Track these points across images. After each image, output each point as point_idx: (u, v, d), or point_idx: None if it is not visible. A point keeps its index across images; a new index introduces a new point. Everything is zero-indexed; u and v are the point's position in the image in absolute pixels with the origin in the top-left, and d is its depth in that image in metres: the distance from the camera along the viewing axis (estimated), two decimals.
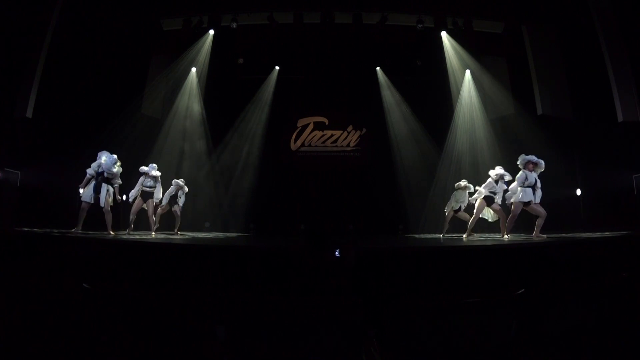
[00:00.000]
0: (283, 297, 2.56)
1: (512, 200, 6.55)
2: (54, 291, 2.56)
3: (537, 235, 6.28)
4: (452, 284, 4.11)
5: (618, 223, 6.92)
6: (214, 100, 10.36)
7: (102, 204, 6.68)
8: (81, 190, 6.79)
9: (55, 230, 6.46)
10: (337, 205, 10.21)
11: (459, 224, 8.12)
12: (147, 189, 7.40)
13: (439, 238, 7.88)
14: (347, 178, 10.58)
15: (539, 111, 8.88)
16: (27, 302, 2.46)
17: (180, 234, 7.78)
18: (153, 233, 7.52)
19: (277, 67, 10.62)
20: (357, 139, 10.87)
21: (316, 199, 10.24)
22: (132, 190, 7.40)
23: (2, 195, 7.47)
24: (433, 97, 10.32)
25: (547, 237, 6.15)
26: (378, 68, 10.64)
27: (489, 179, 7.08)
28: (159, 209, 7.76)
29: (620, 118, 7.51)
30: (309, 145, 10.89)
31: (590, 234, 6.60)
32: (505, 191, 6.88)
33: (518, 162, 6.55)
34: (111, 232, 6.90)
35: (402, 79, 10.50)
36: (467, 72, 9.89)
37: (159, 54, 9.77)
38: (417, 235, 9.04)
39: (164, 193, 7.69)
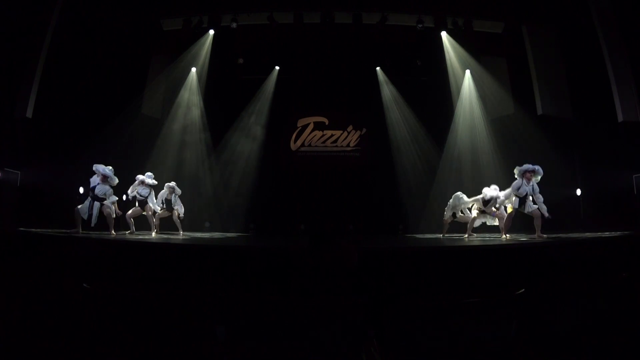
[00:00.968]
0: (283, 297, 2.56)
1: (505, 204, 6.70)
2: (54, 291, 2.56)
3: (539, 236, 6.29)
4: (452, 284, 4.11)
5: (618, 223, 6.91)
6: (214, 100, 10.36)
7: (92, 224, 6.76)
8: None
9: (57, 231, 6.47)
10: (337, 205, 10.21)
11: (459, 224, 8.12)
12: (141, 197, 7.41)
13: (439, 238, 7.88)
14: (347, 178, 10.58)
15: (539, 111, 8.88)
16: (27, 302, 2.46)
17: (184, 234, 7.78)
18: (153, 234, 7.53)
19: (277, 67, 10.61)
20: (357, 139, 10.87)
21: (316, 199, 10.23)
22: (128, 190, 7.40)
23: (2, 195, 7.47)
24: (433, 97, 10.32)
25: (547, 237, 6.16)
26: (378, 68, 10.64)
27: (480, 196, 7.12)
28: (157, 214, 7.75)
29: (620, 118, 7.51)
30: (309, 145, 10.89)
31: (590, 234, 6.60)
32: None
33: (515, 173, 6.57)
34: (113, 232, 6.93)
35: (402, 79, 10.50)
36: (467, 72, 9.89)
37: (159, 54, 9.78)
38: (417, 236, 9.04)
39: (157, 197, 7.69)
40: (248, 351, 2.16)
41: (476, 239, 7.02)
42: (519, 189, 6.43)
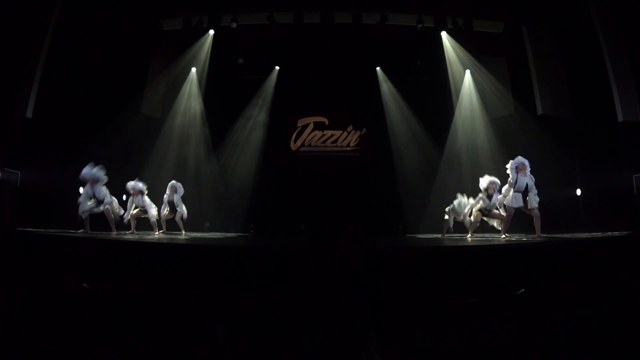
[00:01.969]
0: (283, 297, 2.56)
1: (504, 203, 6.67)
2: (54, 291, 2.56)
3: (539, 236, 6.29)
4: (452, 284, 4.11)
5: (618, 223, 6.91)
6: (214, 100, 10.35)
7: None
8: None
9: (57, 231, 6.47)
10: (337, 205, 10.20)
11: (459, 224, 8.11)
12: (140, 207, 7.43)
13: (439, 238, 7.88)
14: (347, 178, 10.57)
15: (539, 111, 8.87)
16: (27, 302, 2.46)
17: (186, 234, 7.79)
18: (156, 234, 7.54)
19: (277, 67, 10.61)
20: (357, 139, 10.87)
21: (316, 199, 10.22)
22: (125, 213, 7.38)
23: (2, 195, 7.48)
24: (433, 97, 10.31)
25: (547, 237, 6.15)
26: (378, 68, 10.64)
27: (480, 195, 7.10)
28: (163, 216, 7.77)
29: (620, 118, 7.51)
30: (309, 145, 10.89)
31: (590, 234, 6.60)
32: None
33: (509, 170, 6.56)
34: (114, 232, 6.95)
35: (402, 79, 10.49)
36: (467, 72, 9.89)
37: (159, 54, 9.77)
38: (418, 236, 9.03)
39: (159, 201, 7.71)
40: (248, 351, 2.16)
41: (476, 239, 7.01)
42: (515, 183, 6.41)
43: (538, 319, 2.34)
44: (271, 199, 10.32)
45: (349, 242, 2.80)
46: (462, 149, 9.88)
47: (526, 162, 6.50)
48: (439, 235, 8.26)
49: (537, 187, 6.55)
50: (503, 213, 6.86)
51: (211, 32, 9.51)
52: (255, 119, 10.65)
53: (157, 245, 5.76)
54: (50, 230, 6.45)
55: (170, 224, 8.10)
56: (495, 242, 6.11)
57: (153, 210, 7.48)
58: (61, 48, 8.04)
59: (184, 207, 7.83)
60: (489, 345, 2.22)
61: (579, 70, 8.43)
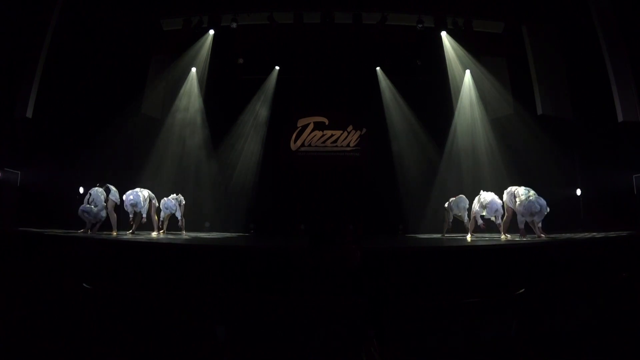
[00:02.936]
0: (283, 297, 2.56)
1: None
2: (54, 291, 2.55)
3: (539, 236, 6.29)
4: (452, 284, 4.11)
5: (618, 223, 6.92)
6: (214, 100, 10.36)
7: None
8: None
9: (58, 231, 6.48)
10: (337, 205, 10.21)
11: (459, 224, 8.12)
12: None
13: (439, 238, 7.88)
14: (347, 178, 10.58)
15: (539, 111, 8.88)
16: (27, 302, 2.46)
17: (186, 234, 7.80)
18: (155, 233, 7.54)
19: (277, 67, 10.62)
20: (357, 139, 10.87)
21: (316, 199, 10.23)
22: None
23: (2, 195, 7.48)
24: (433, 97, 10.31)
25: (547, 237, 6.15)
26: (378, 68, 10.65)
27: (481, 201, 7.05)
28: (162, 216, 7.79)
29: (620, 118, 7.50)
30: (309, 145, 10.89)
31: (590, 234, 6.60)
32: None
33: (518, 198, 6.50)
34: (114, 232, 6.95)
35: (402, 79, 10.49)
36: (467, 72, 9.89)
37: (159, 54, 9.77)
38: (418, 236, 9.04)
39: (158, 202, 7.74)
40: (248, 351, 2.16)
41: (476, 239, 7.01)
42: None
43: (538, 319, 2.34)
44: (271, 199, 10.33)
45: (349, 242, 2.80)
46: (462, 149, 9.88)
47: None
48: (439, 235, 8.25)
49: (537, 188, 6.54)
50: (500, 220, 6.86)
51: (211, 32, 9.51)
52: (255, 119, 10.65)
53: (157, 245, 5.76)
54: (50, 230, 6.45)
55: (171, 225, 8.10)
56: (495, 242, 6.11)
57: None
58: (61, 48, 8.04)
59: (180, 213, 7.90)
60: (489, 345, 2.22)
61: (579, 70, 8.43)
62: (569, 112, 8.66)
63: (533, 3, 8.80)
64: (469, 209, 7.55)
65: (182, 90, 10.04)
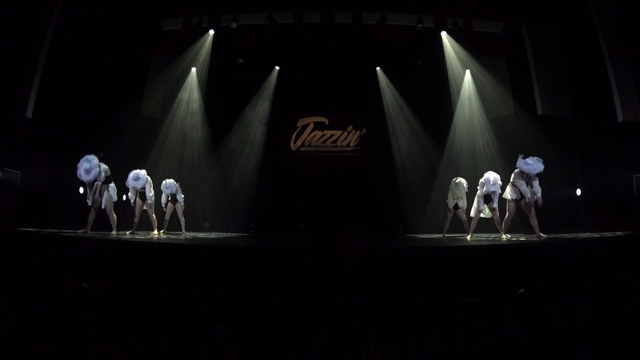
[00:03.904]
0: (283, 297, 2.56)
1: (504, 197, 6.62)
2: (54, 291, 2.56)
3: (538, 236, 6.29)
4: (452, 284, 4.11)
5: (618, 223, 6.91)
6: (214, 100, 10.36)
7: (103, 205, 6.87)
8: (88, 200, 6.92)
9: (57, 231, 6.48)
10: (337, 205, 10.21)
11: (459, 224, 8.12)
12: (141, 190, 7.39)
13: (440, 238, 7.88)
14: (347, 178, 10.57)
15: (539, 111, 8.88)
16: (27, 302, 2.46)
17: (186, 234, 7.79)
18: (154, 234, 7.53)
19: (277, 67, 10.62)
20: (357, 139, 10.87)
21: (316, 199, 10.23)
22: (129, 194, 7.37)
23: (2, 195, 7.48)
24: (433, 97, 10.31)
25: (547, 237, 6.15)
26: (378, 68, 10.64)
27: (481, 180, 7.05)
28: (164, 210, 7.78)
29: (620, 118, 7.50)
30: (309, 145, 10.89)
31: (590, 234, 6.60)
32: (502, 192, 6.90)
33: (520, 167, 6.50)
34: (114, 232, 6.95)
35: (402, 79, 10.49)
36: (467, 72, 9.88)
37: (159, 54, 9.77)
38: (418, 236, 9.03)
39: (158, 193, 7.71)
40: (248, 351, 2.16)
41: (476, 239, 7.01)
42: (517, 187, 6.39)
43: (538, 319, 2.34)
44: (271, 199, 10.32)
45: (349, 242, 2.79)
46: (462, 149, 9.87)
47: (539, 170, 6.34)
48: (439, 235, 8.25)
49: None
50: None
51: (211, 32, 9.50)
52: (255, 119, 10.65)
53: (157, 245, 5.76)
54: (50, 230, 6.45)
55: (171, 225, 8.10)
56: (495, 242, 6.11)
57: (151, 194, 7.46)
58: (61, 48, 8.03)
59: (182, 199, 7.85)
60: (489, 345, 2.22)
61: (579, 70, 8.43)
62: (569, 112, 8.66)
63: (533, 3, 8.79)
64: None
65: (182, 90, 10.03)
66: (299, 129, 10.92)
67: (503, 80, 9.45)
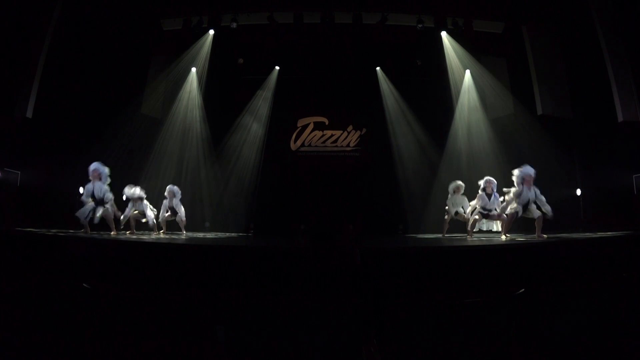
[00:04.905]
0: (283, 297, 2.56)
1: (506, 212, 6.60)
2: (54, 291, 2.56)
3: (539, 236, 6.28)
4: (452, 284, 4.11)
5: (618, 223, 6.91)
6: (214, 100, 10.36)
7: (95, 221, 6.83)
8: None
9: (57, 231, 6.47)
10: (337, 205, 10.20)
11: (459, 224, 8.11)
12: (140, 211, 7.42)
13: (439, 238, 7.87)
14: (347, 178, 10.57)
15: (539, 111, 8.88)
16: (27, 302, 2.46)
17: (186, 234, 7.79)
18: (155, 234, 7.53)
19: (277, 67, 10.62)
20: (357, 139, 10.87)
21: (316, 199, 10.23)
22: (123, 215, 7.32)
23: (2, 195, 7.48)
24: (433, 97, 10.31)
25: (547, 237, 6.15)
26: (378, 68, 10.64)
27: (479, 193, 7.07)
28: (164, 217, 7.78)
29: (620, 118, 7.50)
30: (309, 145, 10.89)
31: (590, 234, 6.60)
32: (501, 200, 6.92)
33: (514, 180, 6.50)
34: (113, 232, 6.95)
35: (402, 79, 10.49)
36: (467, 72, 9.89)
37: (159, 54, 9.77)
38: (418, 236, 9.03)
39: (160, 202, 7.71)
40: (248, 351, 2.16)
41: (476, 239, 7.01)
42: (520, 195, 6.37)
43: (538, 319, 2.34)
44: (271, 199, 10.33)
45: (349, 242, 2.80)
46: (462, 149, 9.87)
47: (533, 174, 6.40)
48: (439, 236, 8.25)
49: (537, 187, 6.52)
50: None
51: (211, 32, 9.51)
52: (255, 119, 10.65)
53: (157, 245, 5.75)
54: (50, 230, 6.44)
55: (171, 225, 8.10)
56: (495, 242, 6.11)
57: (150, 214, 7.47)
58: (61, 48, 8.04)
59: (182, 210, 7.87)
60: (489, 345, 2.22)
61: (579, 70, 8.43)
62: (569, 112, 8.67)
63: (533, 3, 8.80)
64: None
65: (182, 90, 10.03)
66: (299, 129, 10.92)
67: (503, 80, 9.45)
